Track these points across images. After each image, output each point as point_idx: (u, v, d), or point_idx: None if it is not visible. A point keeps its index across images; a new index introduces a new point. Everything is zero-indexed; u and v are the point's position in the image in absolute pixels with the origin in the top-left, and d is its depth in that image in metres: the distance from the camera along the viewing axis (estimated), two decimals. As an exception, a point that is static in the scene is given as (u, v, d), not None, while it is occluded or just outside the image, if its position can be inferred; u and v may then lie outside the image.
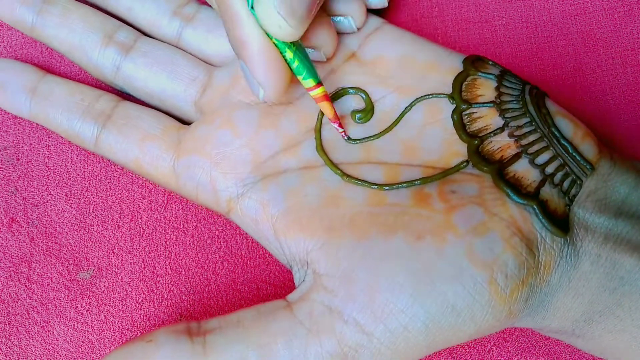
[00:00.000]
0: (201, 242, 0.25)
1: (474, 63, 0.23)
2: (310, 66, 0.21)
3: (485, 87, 0.23)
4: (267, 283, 0.25)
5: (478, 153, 0.21)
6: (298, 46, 0.21)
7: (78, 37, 0.25)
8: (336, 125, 0.22)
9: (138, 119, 0.24)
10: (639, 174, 0.21)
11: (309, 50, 0.23)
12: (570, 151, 0.21)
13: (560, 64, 0.27)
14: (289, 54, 0.20)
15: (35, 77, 0.25)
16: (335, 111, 0.22)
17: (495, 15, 0.28)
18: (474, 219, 0.20)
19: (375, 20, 0.25)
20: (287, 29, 0.19)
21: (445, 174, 0.21)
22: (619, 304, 0.20)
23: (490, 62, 0.23)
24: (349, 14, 0.24)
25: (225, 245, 0.25)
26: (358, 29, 0.24)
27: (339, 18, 0.24)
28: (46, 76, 0.25)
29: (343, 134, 0.23)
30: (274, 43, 0.20)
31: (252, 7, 0.19)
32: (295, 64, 0.21)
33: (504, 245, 0.19)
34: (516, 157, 0.21)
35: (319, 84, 0.21)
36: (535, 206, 0.20)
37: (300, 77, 0.21)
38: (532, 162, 0.21)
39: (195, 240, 0.25)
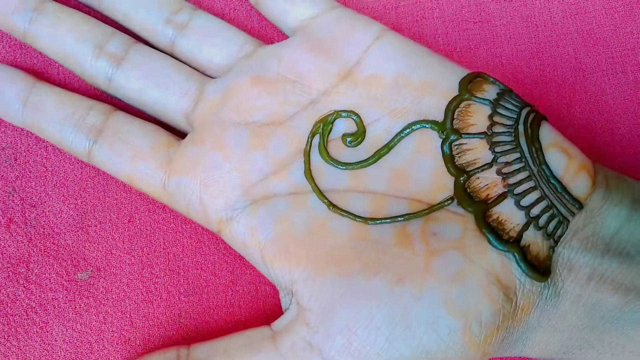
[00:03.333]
0: (200, 243, 0.25)
1: (470, 83, 0.22)
2: None
3: (478, 115, 0.22)
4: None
5: (464, 190, 0.21)
6: None
7: (69, 48, 0.25)
8: None
9: (129, 133, 0.24)
10: (633, 204, 0.21)
11: None
12: (559, 190, 0.21)
13: (560, 64, 0.27)
14: None
15: (25, 86, 0.25)
16: None
17: (495, 15, 0.28)
18: (453, 266, 0.20)
19: (375, 28, 0.24)
20: None
21: (429, 211, 0.21)
22: (600, 339, 0.20)
23: (490, 80, 0.23)
24: None
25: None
26: None
27: None
28: (36, 84, 0.25)
29: None
30: None
31: None
32: None
33: (481, 294, 0.19)
34: (502, 197, 0.21)
35: None
36: (515, 253, 0.20)
37: None
38: (517, 203, 0.21)
39: (194, 241, 0.25)
